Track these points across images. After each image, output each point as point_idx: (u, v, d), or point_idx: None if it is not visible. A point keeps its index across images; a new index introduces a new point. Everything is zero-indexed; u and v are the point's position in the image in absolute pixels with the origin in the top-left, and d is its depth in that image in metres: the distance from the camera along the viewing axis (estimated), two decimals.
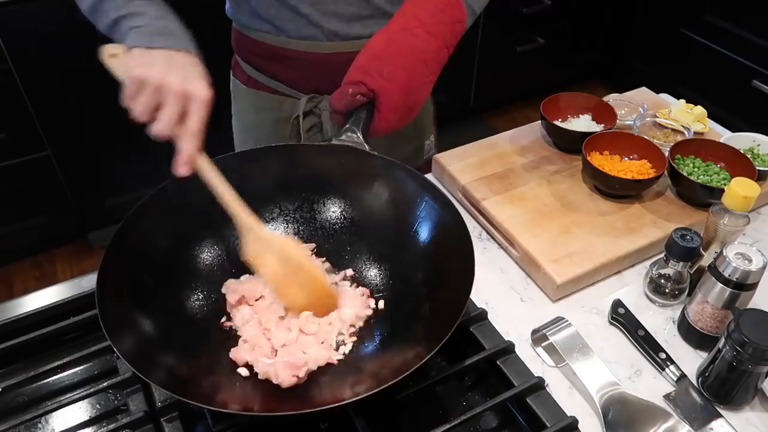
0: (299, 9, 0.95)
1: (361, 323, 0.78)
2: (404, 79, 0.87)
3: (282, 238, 0.78)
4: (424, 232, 0.81)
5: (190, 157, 0.71)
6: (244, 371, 0.72)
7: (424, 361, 0.63)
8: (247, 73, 1.09)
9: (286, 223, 0.87)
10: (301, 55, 1.00)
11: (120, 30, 0.78)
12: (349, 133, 0.86)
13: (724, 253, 0.74)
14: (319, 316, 0.77)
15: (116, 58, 0.74)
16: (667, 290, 0.85)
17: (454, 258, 0.75)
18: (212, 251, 0.83)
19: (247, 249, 0.75)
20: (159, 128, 0.70)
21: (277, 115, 1.10)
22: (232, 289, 0.79)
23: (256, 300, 0.79)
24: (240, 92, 1.13)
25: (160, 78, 0.70)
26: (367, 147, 0.85)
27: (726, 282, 0.74)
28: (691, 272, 0.85)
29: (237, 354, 0.73)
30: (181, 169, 0.71)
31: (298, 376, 0.70)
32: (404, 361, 0.67)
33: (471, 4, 0.93)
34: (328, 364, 0.73)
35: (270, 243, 0.75)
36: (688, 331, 0.82)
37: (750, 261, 0.73)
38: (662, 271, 0.85)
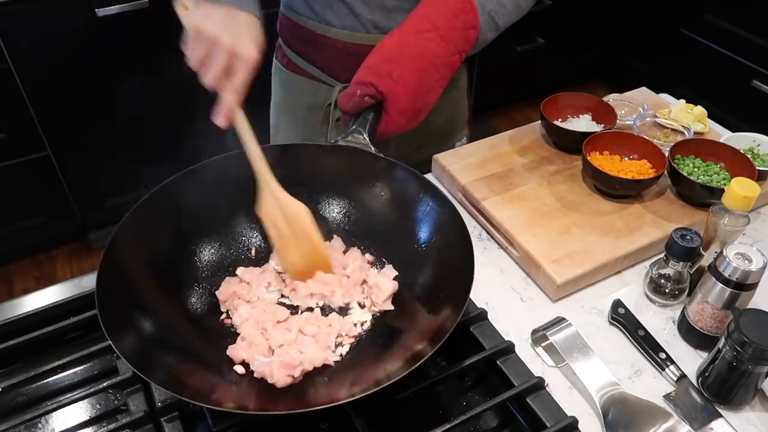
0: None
1: (361, 329, 0.78)
2: (414, 83, 0.87)
3: (296, 204, 0.80)
4: (424, 233, 0.82)
5: (229, 110, 0.76)
6: (240, 369, 0.72)
7: (422, 361, 0.63)
8: (288, 57, 1.12)
9: None
10: (339, 44, 1.02)
11: None
12: (355, 135, 0.87)
13: (724, 253, 0.74)
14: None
15: (186, 11, 0.79)
16: (667, 290, 0.85)
17: (454, 258, 0.75)
18: (211, 250, 0.83)
19: (261, 205, 0.80)
20: (206, 79, 0.75)
21: (312, 101, 1.12)
22: (224, 288, 0.80)
23: (251, 299, 0.79)
24: (279, 74, 1.16)
25: (215, 34, 0.75)
26: (372, 149, 0.85)
27: (726, 282, 0.74)
28: (691, 272, 0.85)
29: (233, 352, 0.73)
30: (220, 120, 0.76)
31: (293, 376, 0.70)
32: (403, 362, 0.67)
33: (490, 12, 0.93)
34: (325, 365, 0.73)
35: (283, 205, 0.79)
36: (688, 331, 0.81)
37: (750, 261, 0.73)
38: (662, 271, 0.85)
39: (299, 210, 0.80)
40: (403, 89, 0.87)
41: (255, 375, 0.71)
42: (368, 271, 0.83)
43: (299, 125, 1.16)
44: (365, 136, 0.86)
